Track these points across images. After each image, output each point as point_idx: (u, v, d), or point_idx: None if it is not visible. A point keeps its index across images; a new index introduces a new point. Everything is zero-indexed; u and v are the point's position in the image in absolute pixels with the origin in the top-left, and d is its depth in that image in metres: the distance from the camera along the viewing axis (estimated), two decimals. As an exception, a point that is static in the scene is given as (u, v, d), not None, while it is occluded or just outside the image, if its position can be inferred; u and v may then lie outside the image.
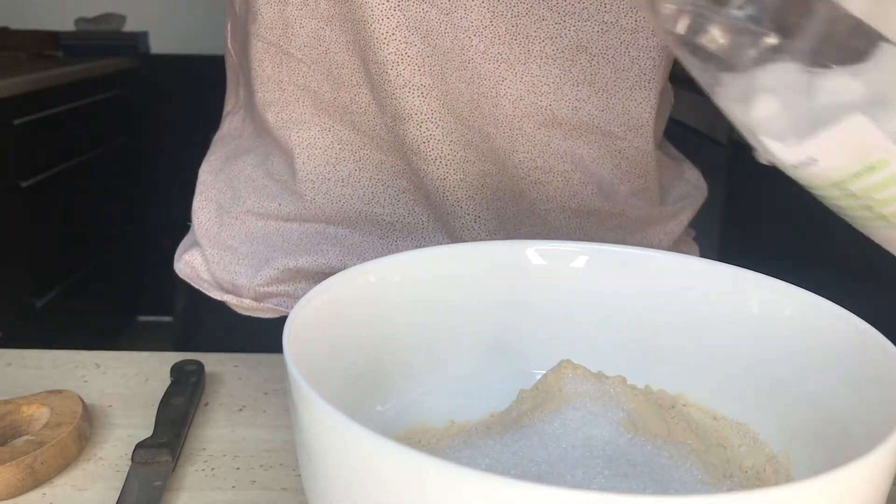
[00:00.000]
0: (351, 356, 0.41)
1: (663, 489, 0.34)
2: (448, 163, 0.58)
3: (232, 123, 0.70)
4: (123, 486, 0.43)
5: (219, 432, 0.50)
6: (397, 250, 0.61)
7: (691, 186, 0.72)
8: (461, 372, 0.46)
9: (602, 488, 0.33)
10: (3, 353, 0.59)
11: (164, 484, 0.43)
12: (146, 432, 0.47)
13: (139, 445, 0.45)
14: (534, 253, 0.47)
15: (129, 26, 2.85)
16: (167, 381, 0.54)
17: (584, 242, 0.47)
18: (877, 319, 0.39)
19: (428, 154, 0.57)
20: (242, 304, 0.64)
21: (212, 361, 0.58)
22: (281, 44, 0.58)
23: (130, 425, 0.50)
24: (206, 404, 0.53)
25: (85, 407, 0.49)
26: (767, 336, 0.42)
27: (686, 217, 0.70)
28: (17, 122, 2.10)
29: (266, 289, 0.63)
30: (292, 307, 0.63)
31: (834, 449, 0.36)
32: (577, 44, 0.56)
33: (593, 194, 0.62)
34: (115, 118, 2.70)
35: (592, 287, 0.46)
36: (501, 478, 0.25)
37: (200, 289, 0.66)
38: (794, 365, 0.41)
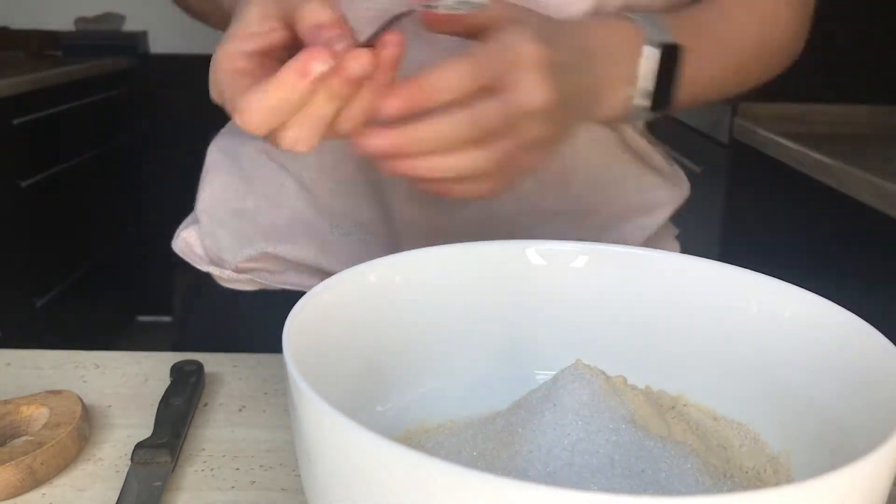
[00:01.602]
0: (351, 356, 0.41)
1: (664, 490, 0.34)
2: None
3: None
4: (123, 486, 0.43)
5: (218, 432, 0.50)
6: (371, 255, 0.62)
7: (670, 183, 0.72)
8: (461, 372, 0.46)
9: (602, 488, 0.33)
10: (3, 353, 0.59)
11: (164, 484, 0.43)
12: (146, 432, 0.47)
13: (139, 446, 0.45)
14: (534, 253, 0.46)
15: (129, 26, 2.85)
16: (167, 381, 0.54)
17: (583, 242, 0.47)
18: (877, 319, 0.39)
19: None
20: (223, 275, 0.67)
21: (212, 361, 0.58)
22: None
23: (130, 425, 0.50)
24: (206, 404, 0.53)
25: (84, 407, 0.49)
26: (767, 336, 0.42)
27: (663, 213, 0.70)
28: (16, 121, 2.10)
29: (245, 265, 0.66)
30: (269, 280, 0.65)
31: (834, 449, 0.36)
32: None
33: (568, 195, 0.62)
34: (115, 118, 2.70)
35: (592, 287, 0.46)
36: (502, 478, 0.25)
37: (192, 263, 0.69)
38: (795, 365, 0.41)
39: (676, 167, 0.73)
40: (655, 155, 0.70)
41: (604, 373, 0.40)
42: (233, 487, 0.44)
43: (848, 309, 0.39)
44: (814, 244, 1.79)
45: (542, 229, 0.63)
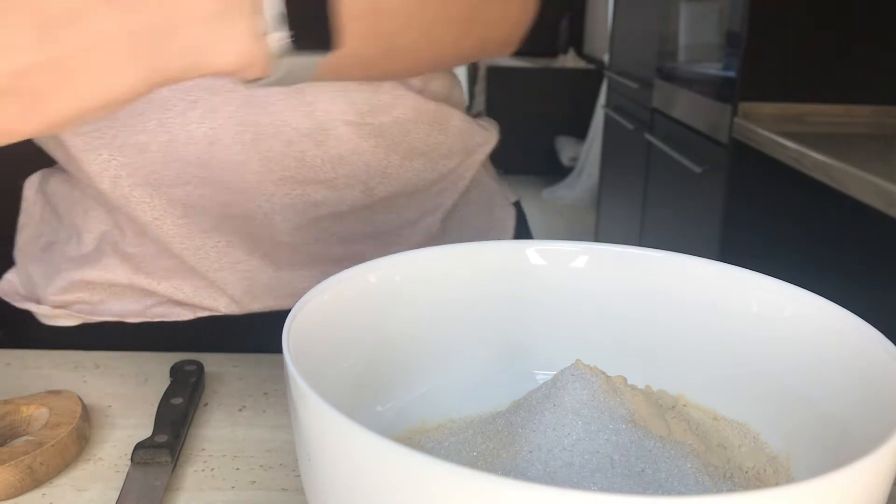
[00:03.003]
0: (351, 356, 0.41)
1: (663, 490, 0.34)
2: (182, 203, 0.58)
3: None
4: (123, 486, 0.43)
5: (219, 432, 0.50)
6: (184, 273, 0.62)
7: (454, 139, 0.67)
8: (460, 372, 0.46)
9: (602, 488, 0.33)
10: (3, 353, 0.59)
11: (164, 484, 0.43)
12: (146, 433, 0.47)
13: (139, 446, 0.45)
14: (534, 253, 0.47)
15: (129, 26, 2.84)
16: (167, 382, 0.54)
17: (584, 242, 0.47)
18: (877, 319, 0.39)
19: (160, 199, 0.58)
20: (41, 311, 0.65)
21: (212, 361, 0.58)
22: None
23: (130, 426, 0.50)
24: (206, 404, 0.53)
25: (84, 407, 0.49)
26: (767, 336, 0.42)
27: (459, 172, 0.68)
28: (16, 122, 2.09)
29: (61, 297, 0.64)
30: (89, 312, 0.64)
31: (834, 449, 0.36)
32: None
33: (360, 193, 0.61)
34: (115, 118, 2.70)
35: (592, 287, 0.46)
36: (501, 478, 0.25)
37: (13, 303, 0.67)
38: (795, 365, 0.41)
39: (465, 116, 0.69)
40: (456, 115, 0.67)
41: (604, 373, 0.40)
42: (233, 487, 0.44)
43: (848, 309, 0.39)
44: (814, 244, 1.79)
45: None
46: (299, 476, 0.42)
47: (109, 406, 0.52)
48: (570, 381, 0.38)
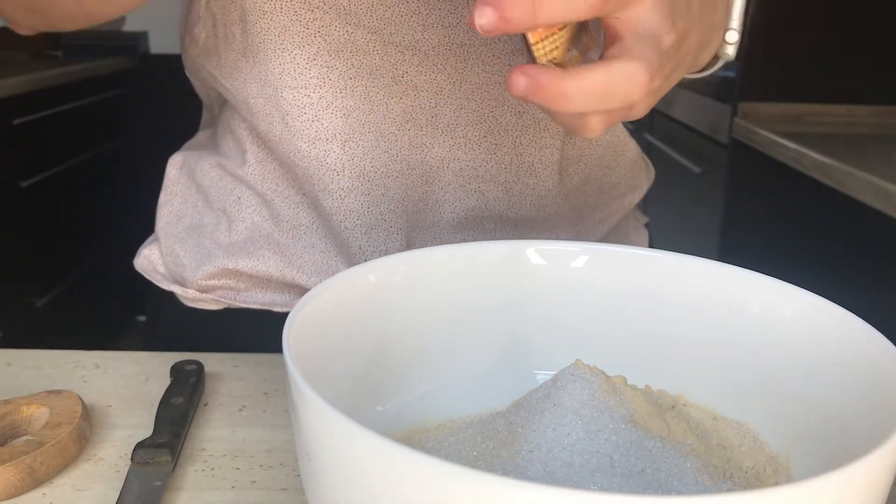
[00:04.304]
0: (351, 356, 0.41)
1: (663, 490, 0.34)
2: (369, 179, 0.59)
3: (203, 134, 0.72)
4: (123, 486, 0.43)
5: (219, 432, 0.50)
6: (334, 267, 0.62)
7: (643, 161, 0.71)
8: (461, 371, 0.46)
9: (602, 488, 0.33)
10: (3, 353, 0.59)
11: (164, 484, 0.43)
12: (146, 432, 0.47)
13: (139, 445, 0.45)
14: (534, 253, 0.47)
15: (129, 26, 2.85)
16: (167, 381, 0.54)
17: (584, 242, 0.47)
18: (877, 319, 0.39)
19: (352, 171, 0.59)
20: (187, 295, 0.65)
21: (212, 361, 0.58)
22: (203, 76, 0.63)
23: (130, 425, 0.50)
24: (206, 404, 0.53)
25: (85, 407, 0.49)
26: (767, 336, 0.42)
27: (641, 192, 0.69)
28: (16, 122, 2.10)
29: (208, 282, 0.64)
30: (233, 299, 0.64)
31: (834, 449, 0.36)
32: (513, 48, 0.56)
33: (531, 205, 0.62)
34: (115, 118, 2.70)
35: (592, 287, 0.46)
36: (501, 478, 0.25)
37: (154, 282, 0.68)
38: (795, 365, 0.41)
39: (637, 148, 0.73)
40: (631, 145, 0.70)
41: (604, 373, 0.40)
42: (233, 487, 0.44)
43: (848, 309, 0.39)
44: (814, 244, 1.79)
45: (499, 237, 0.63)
46: (299, 476, 0.42)
47: (109, 406, 0.52)
48: (570, 381, 0.38)
